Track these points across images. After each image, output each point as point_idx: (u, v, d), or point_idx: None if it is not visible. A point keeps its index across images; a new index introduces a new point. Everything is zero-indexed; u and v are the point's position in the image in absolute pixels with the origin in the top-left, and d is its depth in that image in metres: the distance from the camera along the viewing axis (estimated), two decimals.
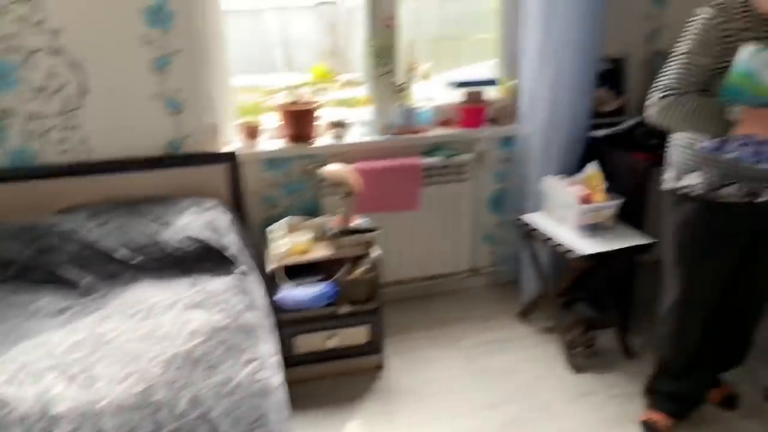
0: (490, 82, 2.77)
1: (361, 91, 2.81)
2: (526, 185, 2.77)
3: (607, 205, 2.38)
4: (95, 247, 2.08)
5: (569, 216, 2.42)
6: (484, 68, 2.93)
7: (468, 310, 2.87)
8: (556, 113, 2.59)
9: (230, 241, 2.20)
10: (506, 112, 2.81)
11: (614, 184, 2.42)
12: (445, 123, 2.81)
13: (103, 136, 2.39)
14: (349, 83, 2.88)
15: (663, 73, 1.74)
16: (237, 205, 2.54)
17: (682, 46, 1.72)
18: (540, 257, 2.64)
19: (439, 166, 2.73)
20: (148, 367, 1.58)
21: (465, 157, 2.76)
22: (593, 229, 2.39)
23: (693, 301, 1.92)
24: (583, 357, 2.47)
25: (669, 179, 1.88)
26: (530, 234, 2.55)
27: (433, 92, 2.82)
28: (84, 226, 2.14)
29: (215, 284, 2.01)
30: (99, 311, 1.88)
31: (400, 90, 2.65)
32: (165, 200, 2.35)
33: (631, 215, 2.42)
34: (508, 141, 2.84)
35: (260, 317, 1.89)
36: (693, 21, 1.71)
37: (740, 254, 1.86)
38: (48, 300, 1.93)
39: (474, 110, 2.74)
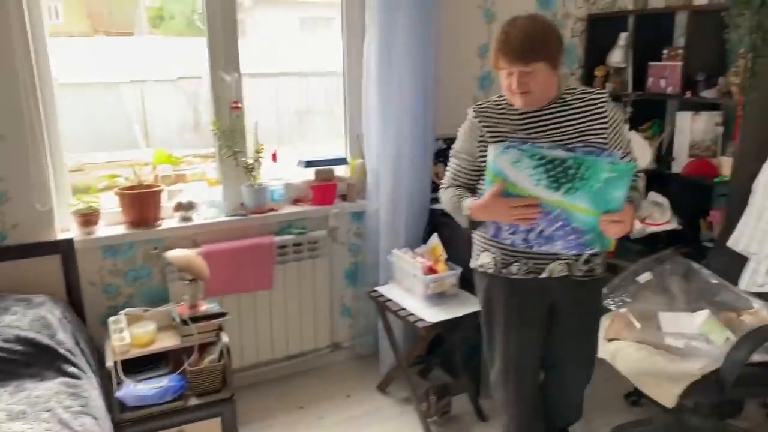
0: (340, 161, 2.88)
1: (213, 171, 2.78)
2: (377, 258, 2.86)
3: (449, 275, 2.53)
4: None
5: (416, 286, 2.52)
6: (335, 146, 3.05)
7: (329, 387, 2.84)
8: (398, 189, 2.75)
9: (62, 338, 2.02)
10: (356, 189, 2.92)
11: (453, 253, 2.58)
12: (297, 201, 2.86)
13: None
14: (207, 157, 2.84)
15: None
16: (72, 298, 2.36)
17: (455, 145, 1.94)
18: (393, 328, 2.70)
19: (292, 243, 2.75)
20: None
21: (318, 233, 2.81)
22: (439, 297, 2.51)
23: (509, 370, 2.01)
24: (439, 424, 2.53)
25: (472, 258, 2.03)
26: (383, 305, 2.62)
27: (283, 171, 2.87)
28: None
29: (41, 389, 1.83)
30: None
31: (250, 170, 2.66)
32: None
33: (471, 283, 2.57)
34: (359, 216, 2.94)
35: (95, 422, 1.75)
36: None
37: (542, 327, 1.99)
38: None
39: (325, 188, 2.82)
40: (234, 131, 2.61)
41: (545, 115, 1.80)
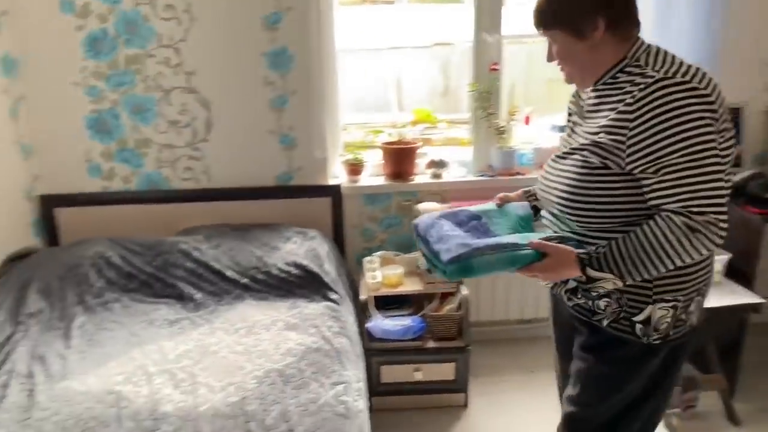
0: None
1: (465, 132, 2.89)
2: None
3: (715, 260, 2.26)
4: (208, 267, 2.29)
5: None
6: None
7: None
8: None
9: (328, 269, 2.33)
10: None
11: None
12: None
13: (223, 166, 2.65)
14: (454, 123, 2.97)
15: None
16: (336, 236, 2.69)
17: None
18: None
19: None
20: (244, 380, 1.72)
21: None
22: None
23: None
24: (682, 418, 2.33)
25: None
26: None
27: (534, 135, 2.85)
28: (200, 247, 2.37)
29: (311, 309, 2.14)
30: (206, 325, 2.06)
31: (501, 132, 2.70)
32: (272, 227, 2.55)
33: (740, 272, 2.28)
34: None
35: (350, 343, 1.99)
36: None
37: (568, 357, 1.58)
38: (164, 311, 2.15)
39: None
40: (490, 92, 2.66)
41: (591, 99, 1.38)
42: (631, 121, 1.22)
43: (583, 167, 1.31)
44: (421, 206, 2.49)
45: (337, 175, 2.75)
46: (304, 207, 2.67)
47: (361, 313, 2.38)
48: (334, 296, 2.23)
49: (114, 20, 2.44)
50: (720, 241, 1.22)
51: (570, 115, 1.48)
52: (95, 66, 2.49)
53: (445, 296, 2.44)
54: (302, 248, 2.41)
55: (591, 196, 1.31)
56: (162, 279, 2.27)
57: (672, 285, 1.31)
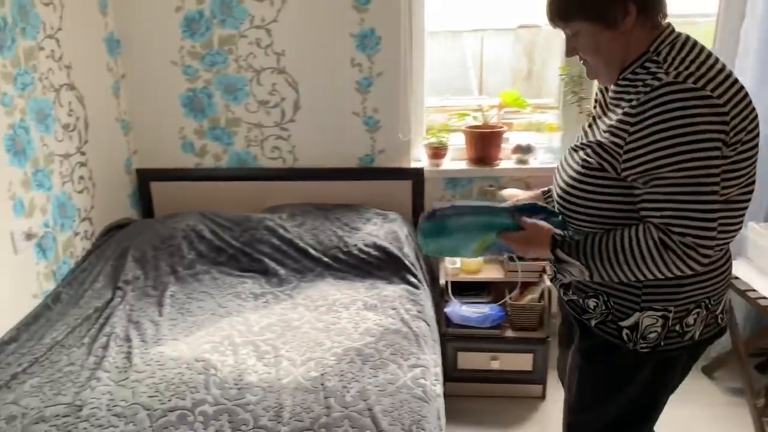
0: None
1: (551, 117, 2.79)
2: None
3: None
4: (293, 244, 2.35)
5: None
6: None
7: None
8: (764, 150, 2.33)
9: (407, 252, 2.33)
10: None
11: None
12: None
13: (308, 146, 2.69)
14: (539, 108, 2.88)
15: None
16: (416, 219, 2.68)
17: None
18: (735, 310, 2.38)
19: None
20: (324, 356, 1.75)
21: None
22: None
23: None
24: None
25: None
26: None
27: None
28: (285, 224, 2.43)
29: (389, 290, 2.15)
30: (289, 300, 2.11)
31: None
32: (353, 208, 2.58)
33: None
34: None
35: (428, 328, 1.98)
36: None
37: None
38: (249, 285, 2.22)
39: None
40: (582, 77, 2.55)
41: (612, 93, 1.28)
42: (632, 125, 1.15)
43: (582, 166, 1.26)
44: (505, 192, 2.43)
45: (419, 159, 2.74)
46: (386, 189, 2.68)
47: (439, 298, 2.37)
48: (412, 279, 2.23)
49: (210, 1, 2.52)
50: (698, 267, 1.16)
51: (595, 106, 1.39)
52: (191, 46, 2.59)
53: (526, 286, 2.38)
54: (382, 230, 2.42)
55: (584, 198, 1.26)
56: (249, 254, 2.35)
57: (661, 294, 1.26)
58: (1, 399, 1.56)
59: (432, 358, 1.81)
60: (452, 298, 2.38)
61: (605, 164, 1.21)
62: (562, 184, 1.33)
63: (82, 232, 2.35)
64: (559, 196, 1.34)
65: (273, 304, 2.09)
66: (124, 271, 2.22)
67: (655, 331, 1.28)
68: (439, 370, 1.80)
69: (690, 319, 1.28)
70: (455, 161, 2.73)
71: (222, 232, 2.42)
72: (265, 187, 2.71)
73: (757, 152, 1.20)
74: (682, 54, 1.17)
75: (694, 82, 1.11)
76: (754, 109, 1.18)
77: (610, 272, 1.21)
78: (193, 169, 2.76)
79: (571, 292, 1.41)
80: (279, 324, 1.94)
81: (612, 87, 1.28)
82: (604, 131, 1.22)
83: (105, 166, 2.51)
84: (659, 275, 1.18)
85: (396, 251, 2.32)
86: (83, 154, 2.35)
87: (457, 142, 2.74)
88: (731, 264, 1.33)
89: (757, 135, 1.19)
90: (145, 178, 2.76)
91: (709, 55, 1.18)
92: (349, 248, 2.33)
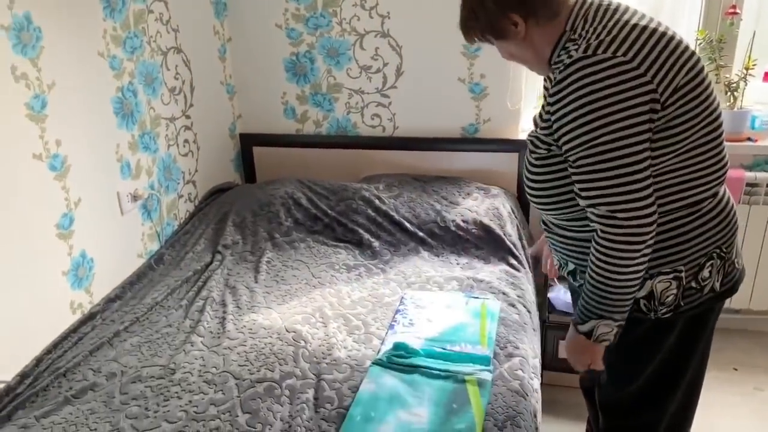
0: None
1: None
2: None
3: None
4: (388, 216, 2.28)
5: None
6: None
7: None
8: None
9: (509, 231, 2.18)
10: None
11: None
12: None
13: (409, 114, 2.58)
14: None
15: None
16: (521, 195, 2.51)
17: None
18: None
19: (766, 183, 2.29)
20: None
21: None
22: None
23: None
24: None
25: None
26: None
27: None
28: (381, 195, 2.36)
29: (487, 271, 2.03)
30: (381, 275, 2.05)
31: (733, 89, 2.28)
32: (453, 181, 2.45)
33: None
34: None
35: (528, 314, 1.85)
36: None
37: None
38: (343, 256, 2.18)
39: None
40: (723, 41, 2.24)
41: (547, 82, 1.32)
42: (552, 105, 1.17)
43: (535, 157, 1.30)
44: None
45: (526, 129, 2.55)
46: (489, 161, 2.53)
47: (542, 281, 2.21)
48: (513, 261, 2.09)
49: None
50: (647, 235, 1.14)
51: (544, 95, 1.37)
52: (295, 8, 2.54)
53: None
54: (483, 205, 2.28)
55: (545, 188, 1.29)
56: (344, 224, 2.30)
57: (667, 257, 1.24)
58: (104, 355, 1.63)
59: (531, 347, 1.68)
60: (556, 282, 2.21)
61: (553, 148, 1.23)
62: (525, 179, 1.37)
63: (185, 195, 2.41)
64: (525, 186, 1.38)
65: (365, 278, 2.03)
66: (224, 236, 2.25)
67: (672, 293, 1.26)
68: (537, 361, 1.67)
69: (705, 273, 1.26)
70: None
71: (319, 201, 2.39)
72: (364, 156, 2.65)
73: (708, 88, 1.17)
74: (594, 24, 1.15)
75: (604, 51, 1.09)
76: (684, 53, 1.13)
77: (616, 294, 1.20)
78: (293, 135, 2.74)
79: (579, 278, 1.40)
80: (370, 299, 1.88)
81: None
82: (543, 118, 1.25)
83: (209, 130, 2.54)
84: (638, 258, 1.16)
85: (497, 229, 2.18)
86: (188, 117, 2.39)
87: None
88: (733, 206, 1.30)
89: (700, 73, 1.14)
90: (247, 143, 2.78)
91: (624, 12, 1.15)
92: (446, 223, 2.22)
